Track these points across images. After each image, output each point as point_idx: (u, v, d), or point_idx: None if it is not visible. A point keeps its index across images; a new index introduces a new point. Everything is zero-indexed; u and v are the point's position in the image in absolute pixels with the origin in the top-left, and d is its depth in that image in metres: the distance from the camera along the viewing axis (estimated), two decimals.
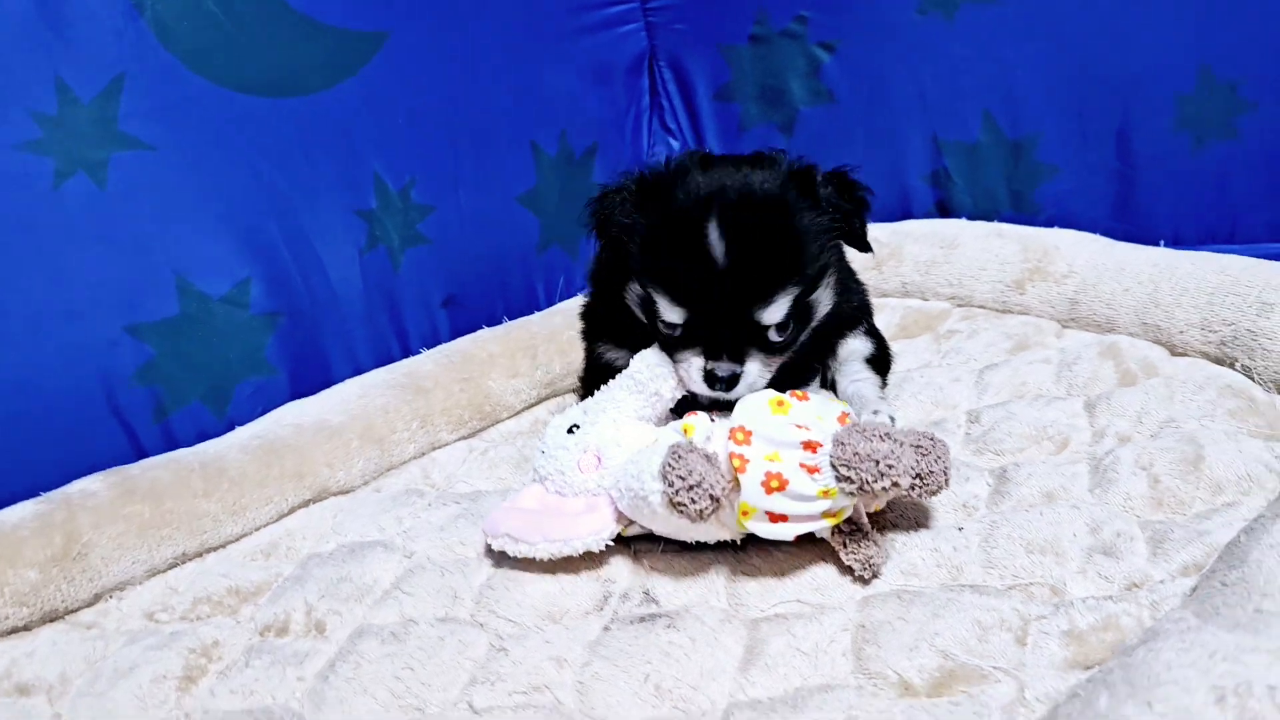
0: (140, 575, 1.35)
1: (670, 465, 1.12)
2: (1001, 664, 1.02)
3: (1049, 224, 2.00)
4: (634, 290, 1.34)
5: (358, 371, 1.79)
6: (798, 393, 1.25)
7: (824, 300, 1.35)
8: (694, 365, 1.28)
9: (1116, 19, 1.89)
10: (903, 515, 1.29)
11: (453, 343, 1.84)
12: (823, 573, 1.20)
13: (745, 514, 1.14)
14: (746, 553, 1.25)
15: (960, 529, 1.25)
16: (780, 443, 1.15)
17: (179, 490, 1.41)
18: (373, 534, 1.41)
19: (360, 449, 1.57)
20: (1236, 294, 1.54)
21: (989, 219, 2.05)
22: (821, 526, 1.16)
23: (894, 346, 1.68)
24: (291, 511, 1.49)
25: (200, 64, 1.56)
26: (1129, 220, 1.98)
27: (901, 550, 1.22)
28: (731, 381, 1.27)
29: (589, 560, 1.26)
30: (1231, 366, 1.51)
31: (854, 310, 1.54)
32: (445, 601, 1.24)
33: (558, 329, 1.87)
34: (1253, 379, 1.47)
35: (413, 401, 1.65)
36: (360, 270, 1.82)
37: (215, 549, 1.42)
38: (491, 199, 2.02)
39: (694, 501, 1.11)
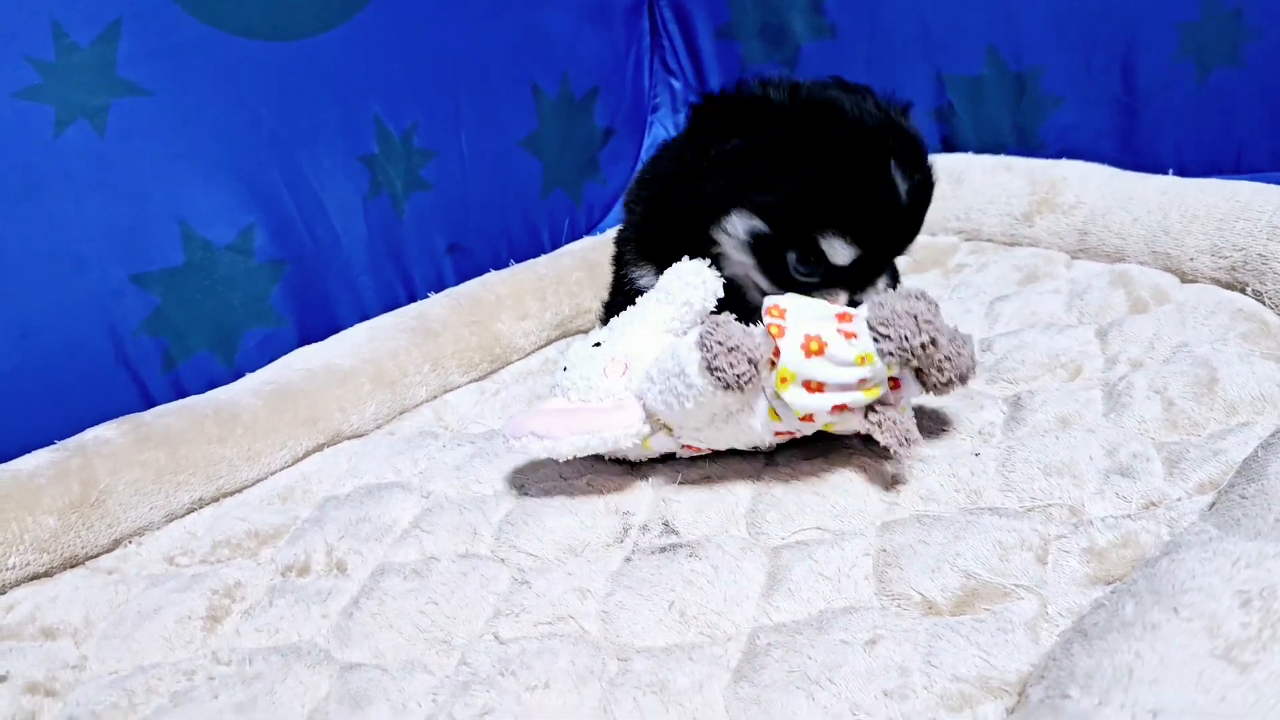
0: (159, 520, 1.35)
1: (709, 332, 1.12)
2: (1024, 581, 1.03)
3: (1055, 158, 1.99)
4: (741, 225, 1.27)
5: (363, 318, 1.78)
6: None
7: None
8: (840, 300, 1.27)
9: None
10: (920, 438, 1.29)
11: (461, 286, 1.83)
12: (843, 500, 1.21)
13: (784, 381, 1.13)
14: (765, 482, 1.25)
15: (977, 454, 1.25)
16: (815, 316, 1.15)
17: (194, 436, 1.41)
18: (389, 476, 1.41)
19: (372, 393, 1.57)
20: (1246, 219, 1.54)
21: (994, 154, 2.04)
22: (857, 400, 1.15)
23: (904, 282, 1.67)
24: (306, 456, 1.50)
25: (198, 7, 1.54)
26: (1134, 152, 1.98)
27: (919, 476, 1.22)
28: None
29: (608, 491, 1.26)
30: (1243, 291, 1.51)
31: None
32: (465, 538, 1.24)
33: (565, 271, 1.86)
34: (1264, 303, 1.47)
35: (423, 345, 1.65)
36: (364, 216, 1.81)
37: (232, 494, 1.43)
38: (493, 143, 2.01)
39: (732, 365, 1.10)
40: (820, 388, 1.13)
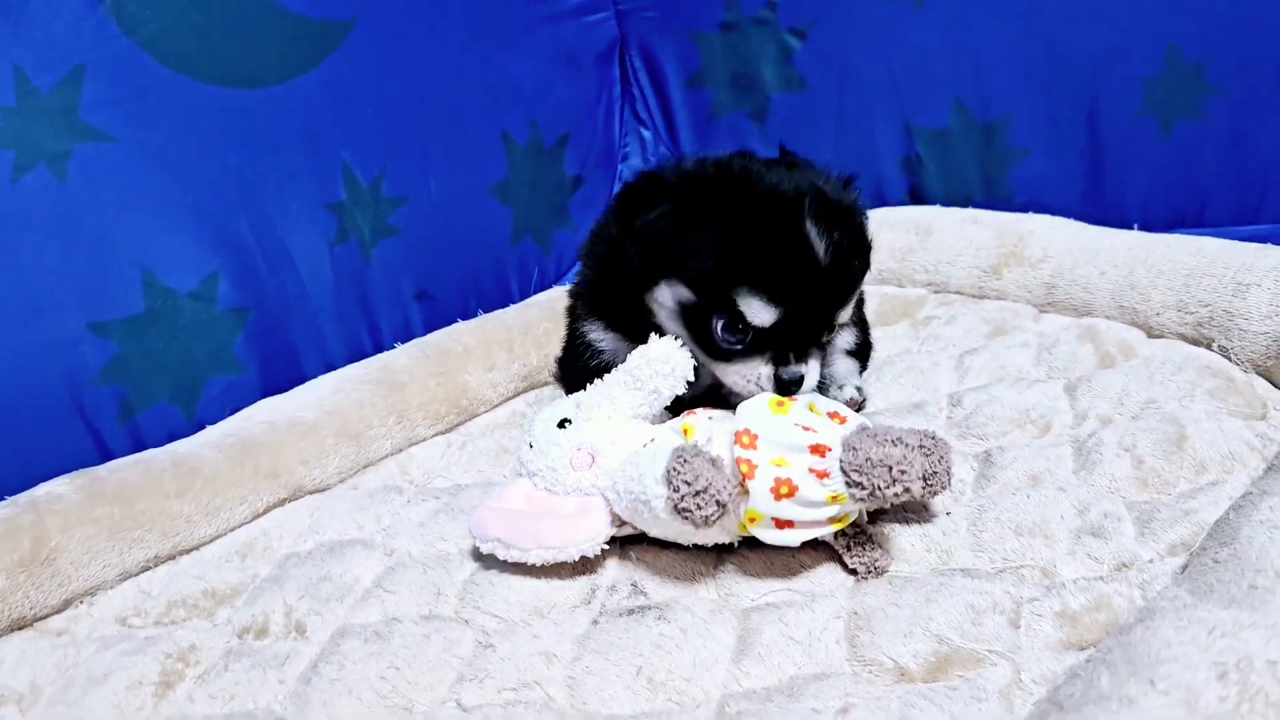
0: (111, 579, 1.31)
1: (675, 470, 1.09)
2: (996, 647, 1.01)
3: (1022, 209, 1.99)
4: (671, 295, 1.26)
5: (330, 368, 1.74)
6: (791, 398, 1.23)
7: (859, 293, 1.35)
8: (763, 373, 1.24)
9: None
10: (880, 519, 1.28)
11: (427, 337, 1.81)
12: (812, 562, 1.19)
13: (752, 520, 1.12)
14: (734, 547, 1.24)
15: (948, 513, 1.24)
16: (787, 446, 1.13)
17: (150, 491, 1.37)
18: (351, 532, 1.38)
19: (336, 446, 1.54)
20: (1212, 275, 1.55)
21: (962, 205, 2.05)
22: (826, 532, 1.15)
23: (873, 333, 1.67)
24: (267, 511, 1.46)
25: (164, 53, 1.52)
26: (1100, 204, 1.99)
27: (891, 536, 1.21)
28: (799, 383, 1.25)
29: None
30: (1209, 347, 1.51)
31: None
32: (429, 598, 1.21)
33: (533, 321, 1.84)
34: (1229, 359, 1.48)
35: (388, 397, 1.62)
36: (331, 263, 1.78)
37: (189, 550, 1.38)
38: (463, 190, 1.99)
39: (700, 508, 1.08)
40: (790, 524, 1.12)
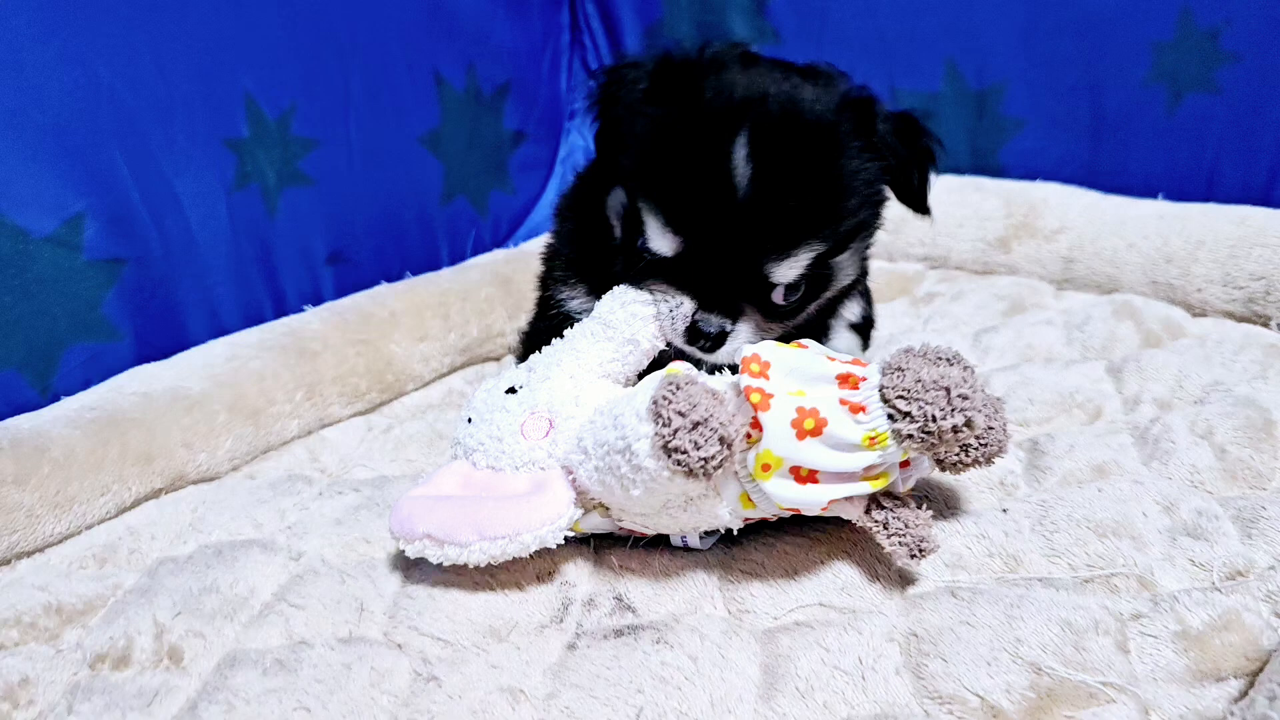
0: None
1: (666, 398, 0.83)
2: (1110, 678, 0.79)
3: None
4: (617, 199, 1.06)
5: (222, 335, 1.47)
6: (798, 344, 0.98)
7: (847, 268, 1.08)
8: (681, 309, 1.01)
9: None
10: (928, 496, 1.04)
11: (345, 299, 1.54)
12: (845, 567, 0.97)
13: (765, 469, 0.86)
14: (741, 546, 1.00)
15: (1004, 510, 1.02)
16: (809, 375, 0.88)
17: None
18: (246, 531, 1.12)
19: (228, 424, 1.27)
20: (1264, 245, 1.38)
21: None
22: (859, 492, 0.89)
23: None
24: (136, 504, 1.19)
25: None
26: (1099, 179, 1.82)
27: (940, 538, 0.97)
28: (719, 339, 1.00)
29: (538, 558, 0.99)
30: (1265, 325, 1.33)
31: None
32: (348, 616, 0.96)
33: (473, 285, 1.58)
34: None
35: (295, 367, 1.35)
36: (227, 211, 1.51)
37: (29, 554, 1.11)
38: (388, 136, 1.73)
39: (698, 446, 0.81)
40: (813, 477, 0.87)
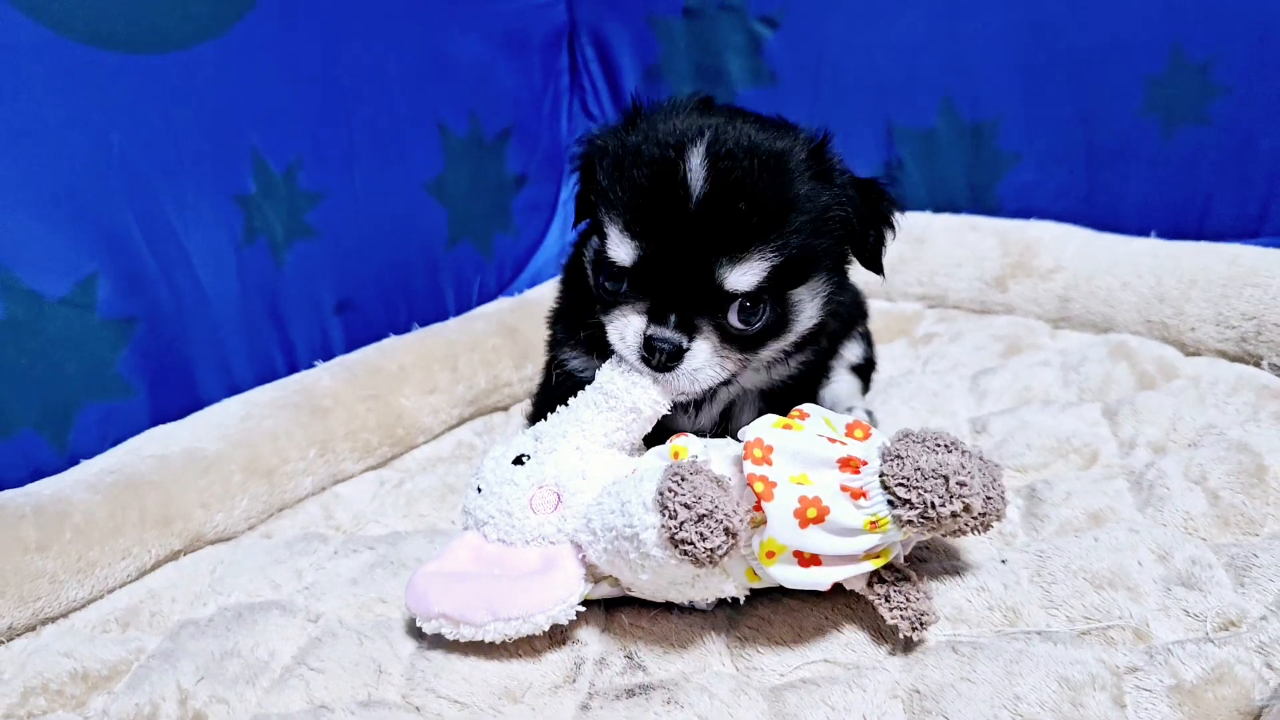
0: None
1: (671, 490, 0.86)
2: None
3: (1012, 218, 1.83)
4: (591, 247, 1.09)
5: (232, 391, 1.48)
6: (799, 411, 1.00)
7: (808, 306, 1.08)
8: (631, 325, 1.02)
9: None
10: (927, 547, 1.07)
11: (354, 353, 1.54)
12: (847, 624, 0.98)
13: (770, 555, 0.89)
14: (747, 602, 1.01)
15: (1004, 561, 1.04)
16: (810, 460, 0.91)
17: (4, 543, 1.09)
18: (265, 592, 1.13)
19: (244, 484, 1.27)
20: (1255, 285, 1.39)
21: (950, 212, 1.87)
22: (862, 570, 0.92)
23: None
24: (156, 566, 1.20)
25: (34, 4, 1.25)
26: (1095, 213, 1.84)
27: (940, 590, 1.00)
28: (674, 355, 1.01)
29: None
30: (1256, 365, 1.35)
31: (850, 311, 1.32)
32: (367, 678, 0.97)
33: (479, 336, 1.59)
34: None
35: (308, 425, 1.36)
36: (236, 266, 1.52)
37: (54, 619, 1.11)
38: (392, 185, 1.74)
39: (704, 537, 0.84)
40: (816, 560, 0.90)
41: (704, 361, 1.02)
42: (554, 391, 1.15)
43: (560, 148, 2.11)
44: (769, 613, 1.00)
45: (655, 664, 0.96)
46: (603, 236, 1.03)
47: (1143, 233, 1.77)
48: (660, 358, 1.00)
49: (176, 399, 1.45)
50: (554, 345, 1.23)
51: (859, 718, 0.86)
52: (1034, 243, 1.67)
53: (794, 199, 1.01)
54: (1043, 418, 1.30)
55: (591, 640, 1.00)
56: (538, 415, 1.15)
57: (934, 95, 1.87)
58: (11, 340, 1.28)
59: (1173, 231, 1.79)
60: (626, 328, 1.02)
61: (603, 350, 1.09)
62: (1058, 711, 0.83)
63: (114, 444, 1.34)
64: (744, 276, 0.99)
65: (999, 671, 0.88)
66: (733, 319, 1.02)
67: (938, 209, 1.90)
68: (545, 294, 1.30)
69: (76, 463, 1.31)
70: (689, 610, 1.02)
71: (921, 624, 0.93)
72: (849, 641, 0.96)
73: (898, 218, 1.12)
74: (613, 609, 1.03)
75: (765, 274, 1.00)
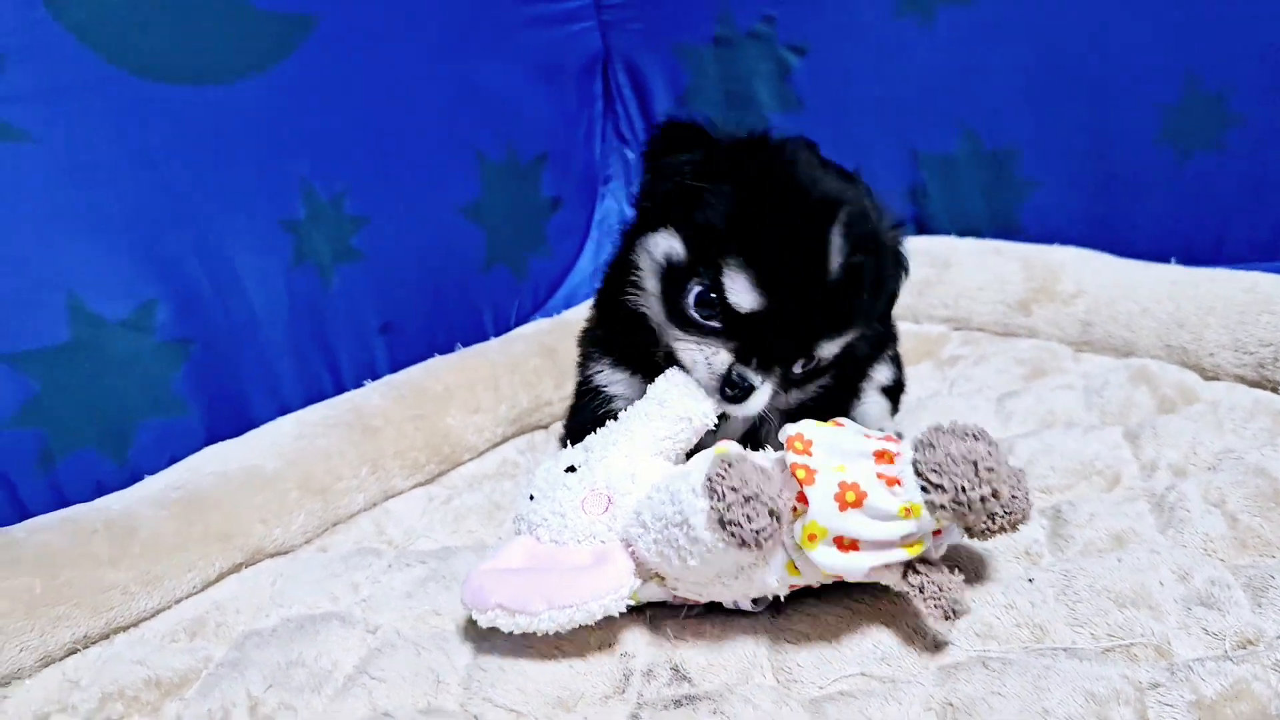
0: (30, 665, 1.08)
1: (720, 475, 0.93)
2: None
3: (1031, 242, 1.88)
4: (661, 245, 1.12)
5: (282, 408, 1.54)
6: (834, 421, 1.06)
7: (848, 352, 1.16)
8: (719, 358, 1.09)
9: (1100, 21, 1.79)
10: (959, 565, 1.11)
11: (401, 373, 1.60)
12: (885, 637, 1.03)
13: (811, 539, 0.94)
14: (787, 617, 1.06)
15: (1030, 580, 1.08)
16: (848, 452, 0.97)
17: (78, 557, 1.14)
18: (324, 604, 1.18)
19: (300, 501, 1.32)
20: (1272, 312, 1.43)
21: (973, 237, 1.92)
22: (897, 558, 0.97)
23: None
24: (220, 579, 1.24)
25: (98, 41, 1.31)
26: (1112, 238, 1.87)
27: (971, 608, 1.04)
28: (746, 392, 1.08)
29: (599, 629, 1.05)
30: (1274, 390, 1.39)
31: (880, 335, 1.37)
32: (426, 687, 1.02)
33: (520, 357, 1.64)
34: None
35: (360, 443, 1.41)
36: (286, 289, 1.58)
37: (125, 629, 1.16)
38: (432, 210, 1.80)
39: (750, 519, 0.90)
40: (855, 545, 0.95)
41: (763, 400, 1.10)
42: (585, 410, 1.21)
43: (595, 171, 2.17)
44: (807, 627, 1.04)
45: (700, 675, 1.00)
46: (714, 270, 1.06)
47: (1160, 258, 1.81)
48: (735, 394, 1.08)
49: (228, 416, 1.50)
50: (585, 364, 1.29)
51: None
52: (1056, 267, 1.72)
53: (891, 289, 1.15)
54: (1066, 440, 1.34)
55: (639, 651, 1.04)
56: (571, 434, 1.20)
57: (955, 123, 1.92)
58: (77, 361, 1.34)
59: (1189, 257, 1.83)
60: (715, 358, 1.09)
61: (638, 366, 1.16)
62: None
63: (170, 459, 1.40)
64: (831, 348, 1.09)
65: (1028, 686, 0.92)
66: (796, 370, 1.11)
67: (961, 233, 1.95)
68: (582, 315, 1.35)
69: (137, 477, 1.36)
70: (730, 620, 1.07)
71: (954, 612, 0.98)
72: (885, 654, 1.00)
73: (905, 280, 1.22)
74: (658, 620, 1.07)
75: (846, 342, 1.10)
